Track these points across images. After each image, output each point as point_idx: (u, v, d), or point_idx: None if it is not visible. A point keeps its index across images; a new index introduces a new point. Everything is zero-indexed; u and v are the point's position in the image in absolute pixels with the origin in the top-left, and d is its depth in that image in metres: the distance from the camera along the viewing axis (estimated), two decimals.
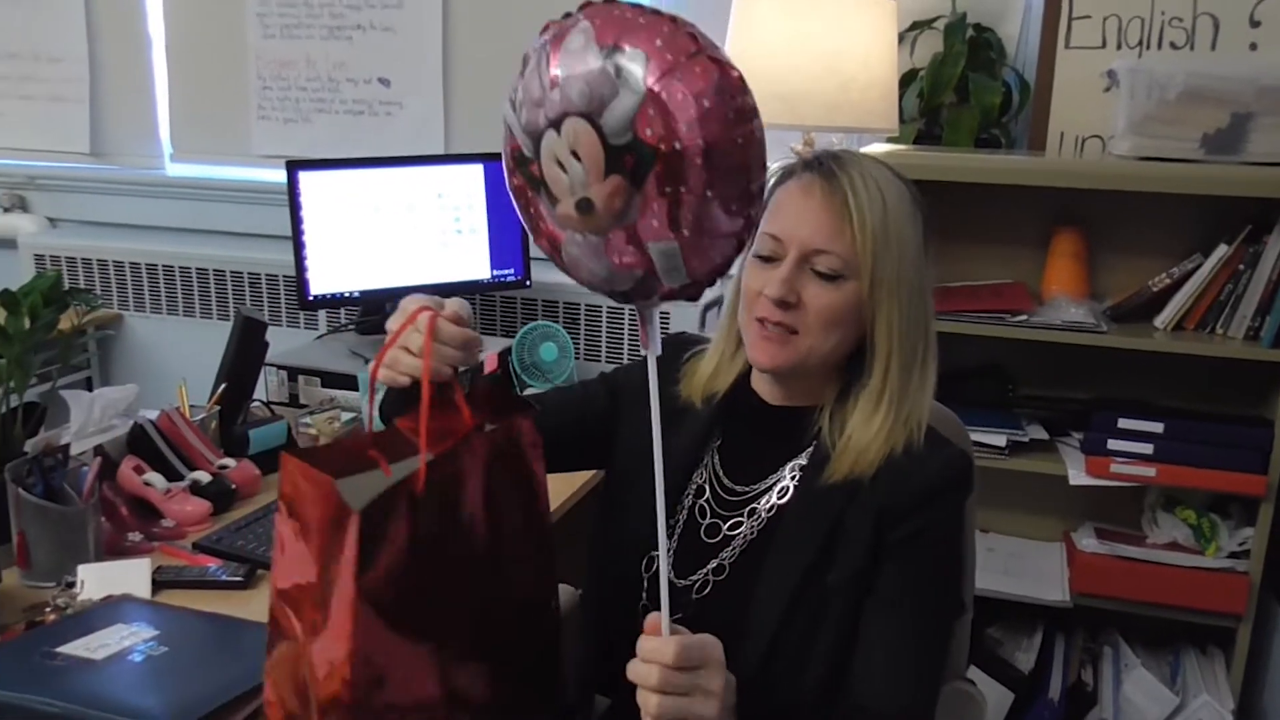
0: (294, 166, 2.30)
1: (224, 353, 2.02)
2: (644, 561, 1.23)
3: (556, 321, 2.55)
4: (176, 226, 3.06)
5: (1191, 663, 2.17)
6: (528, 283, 2.55)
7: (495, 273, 2.50)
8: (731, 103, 0.88)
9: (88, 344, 3.02)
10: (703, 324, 2.24)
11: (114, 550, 1.59)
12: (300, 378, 2.33)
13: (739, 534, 1.21)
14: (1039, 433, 2.19)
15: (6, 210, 3.18)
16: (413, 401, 1.03)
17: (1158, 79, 2.03)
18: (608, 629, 1.27)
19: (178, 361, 2.85)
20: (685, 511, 1.25)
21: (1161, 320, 2.07)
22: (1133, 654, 2.19)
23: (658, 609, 1.00)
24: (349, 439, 1.03)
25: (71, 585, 1.44)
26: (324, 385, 2.30)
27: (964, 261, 2.26)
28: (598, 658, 1.29)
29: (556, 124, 0.90)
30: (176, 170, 3.07)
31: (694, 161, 0.87)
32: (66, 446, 1.59)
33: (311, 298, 2.35)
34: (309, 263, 2.32)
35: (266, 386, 2.30)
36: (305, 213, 2.30)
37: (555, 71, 0.90)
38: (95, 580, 1.44)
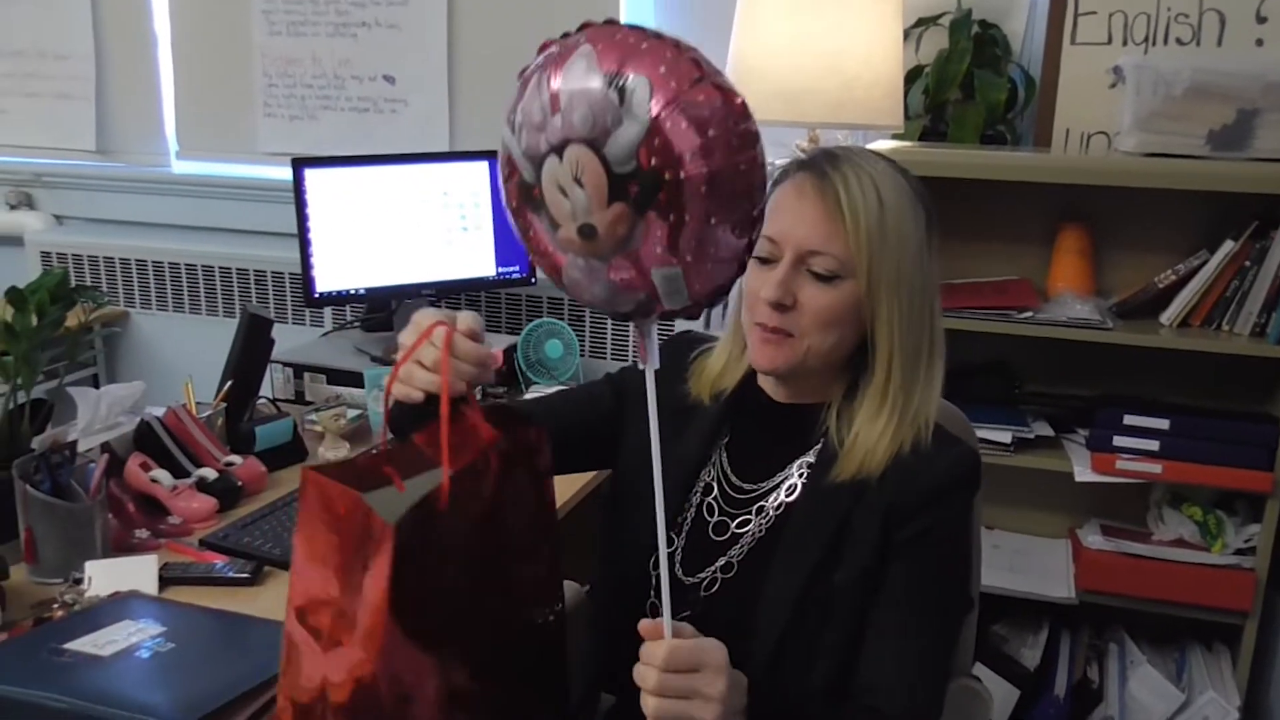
0: (300, 164, 2.30)
1: (230, 350, 2.03)
2: (651, 560, 1.23)
3: (562, 319, 2.56)
4: (182, 224, 3.07)
5: (1197, 660, 2.17)
6: (533, 280, 2.55)
7: (500, 270, 2.50)
8: (735, 129, 0.89)
9: (94, 341, 3.02)
10: (707, 322, 2.24)
11: (121, 547, 1.59)
12: (306, 375, 2.34)
13: (747, 532, 1.21)
14: (1044, 429, 2.19)
15: (13, 207, 3.19)
16: (425, 417, 1.04)
17: (1164, 75, 2.03)
18: (615, 626, 1.27)
19: (184, 359, 2.85)
20: (693, 509, 1.25)
21: (1167, 317, 2.07)
22: (1138, 651, 2.19)
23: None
24: (362, 457, 1.03)
25: (79, 582, 1.44)
26: (330, 382, 2.31)
27: (969, 258, 2.26)
28: (604, 655, 1.30)
29: (559, 149, 0.90)
30: (182, 167, 3.07)
31: (698, 189, 0.87)
32: (74, 443, 1.60)
33: (317, 295, 2.35)
34: (315, 260, 2.32)
35: (272, 383, 2.31)
36: (311, 210, 2.30)
37: (557, 96, 0.89)
38: (102, 577, 1.44)
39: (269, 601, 1.47)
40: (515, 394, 2.34)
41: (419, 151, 2.53)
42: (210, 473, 1.77)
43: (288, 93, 2.90)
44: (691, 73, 0.87)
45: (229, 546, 1.61)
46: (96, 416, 1.76)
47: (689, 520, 1.25)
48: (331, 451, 1.99)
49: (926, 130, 2.36)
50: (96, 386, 2.19)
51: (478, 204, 2.46)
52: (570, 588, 1.47)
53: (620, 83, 0.87)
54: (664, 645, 0.98)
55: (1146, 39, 2.24)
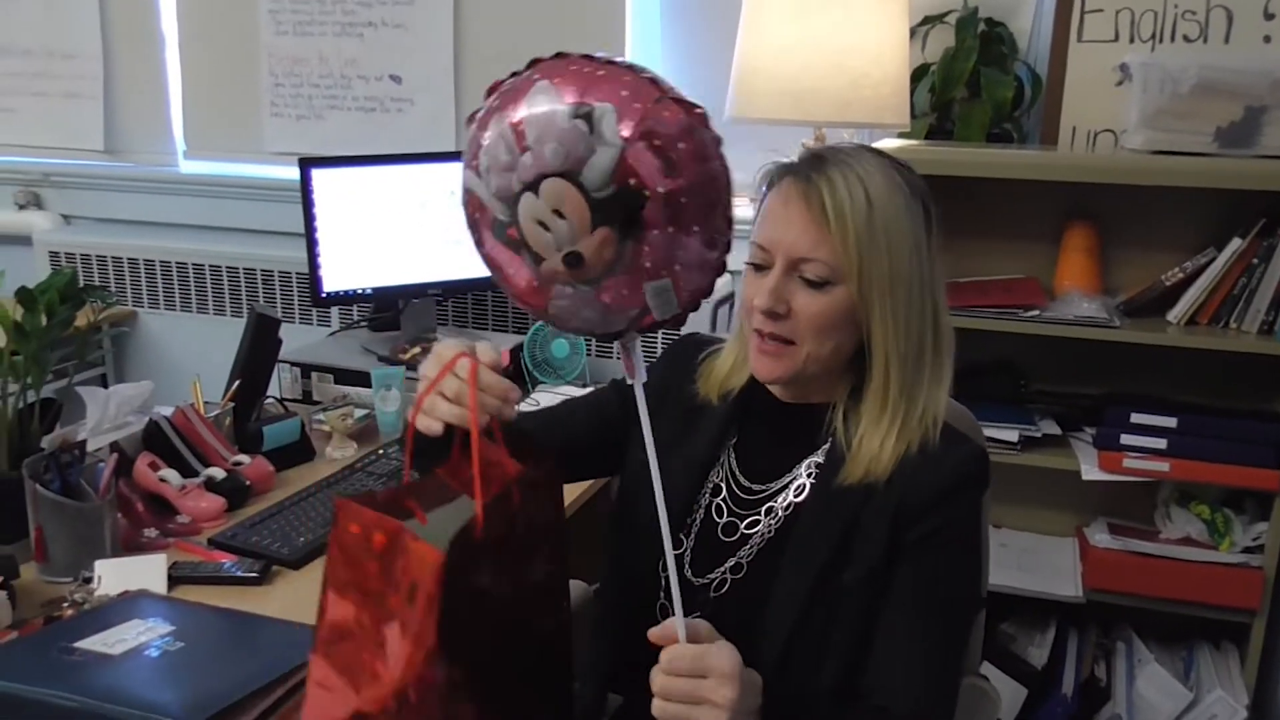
0: (307, 164, 2.30)
1: (238, 349, 2.03)
2: (660, 562, 1.23)
3: None
4: (190, 223, 3.07)
5: (1205, 658, 2.16)
6: None
7: None
8: (701, 139, 0.93)
9: (102, 341, 3.03)
10: (714, 324, 2.24)
11: (130, 546, 1.60)
12: (313, 374, 2.34)
13: (756, 532, 1.21)
14: (1052, 428, 2.19)
15: (21, 207, 3.20)
16: (443, 449, 1.06)
17: (1171, 72, 2.02)
18: (624, 628, 1.27)
19: (191, 358, 2.86)
20: (702, 510, 1.25)
21: (1174, 315, 2.06)
22: (1146, 649, 2.19)
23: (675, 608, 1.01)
24: (384, 491, 1.04)
25: (88, 581, 1.45)
26: (337, 382, 2.31)
27: (976, 256, 2.25)
28: (613, 656, 1.30)
29: (533, 186, 0.92)
30: (190, 167, 3.08)
31: (677, 201, 0.91)
32: (83, 443, 1.60)
33: (324, 294, 2.36)
34: (322, 260, 2.33)
35: (280, 383, 2.31)
36: (318, 210, 2.31)
37: (523, 133, 0.91)
38: (112, 576, 1.45)
39: (277, 600, 1.48)
40: (521, 394, 2.34)
41: (426, 151, 2.53)
42: (218, 472, 1.78)
43: (294, 92, 2.91)
44: (652, 92, 0.91)
45: (237, 546, 1.61)
46: (105, 416, 1.77)
47: (698, 521, 1.25)
48: (339, 451, 2.00)
49: (933, 128, 2.36)
50: (105, 386, 2.19)
51: None
52: (577, 587, 1.47)
53: (586, 111, 0.90)
54: (670, 650, 0.99)
55: (1153, 36, 2.23)
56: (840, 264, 1.11)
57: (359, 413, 2.07)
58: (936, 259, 1.16)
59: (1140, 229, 2.20)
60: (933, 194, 1.18)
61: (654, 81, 0.92)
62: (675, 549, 1.20)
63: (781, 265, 1.13)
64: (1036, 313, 2.07)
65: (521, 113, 0.91)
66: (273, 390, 2.17)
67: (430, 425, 1.05)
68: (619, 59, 0.94)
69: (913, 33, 2.28)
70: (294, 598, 1.48)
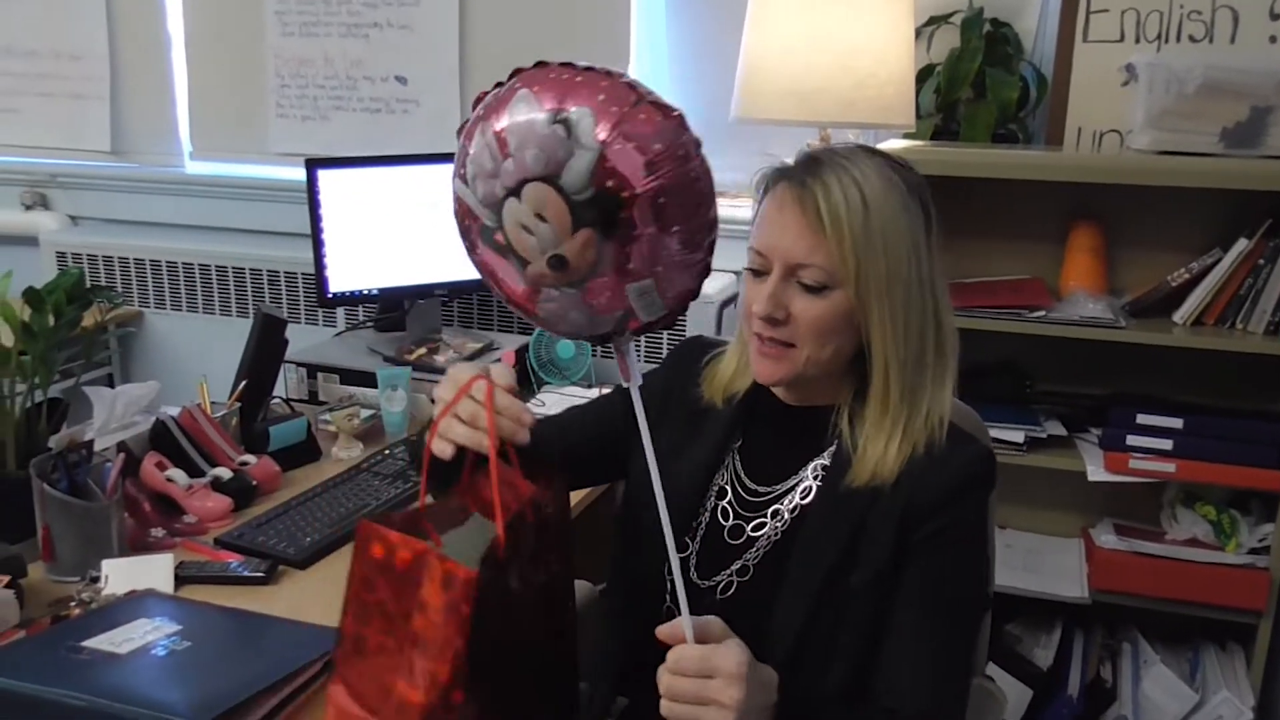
0: (313, 164, 2.31)
1: (244, 350, 2.04)
2: (666, 565, 1.22)
3: None
4: (196, 224, 3.08)
5: (1211, 659, 2.16)
6: None
7: None
8: (678, 141, 0.94)
9: (109, 341, 3.04)
10: (719, 325, 2.24)
11: (137, 546, 1.60)
12: (319, 375, 2.34)
13: (762, 535, 1.21)
14: (1057, 429, 2.18)
15: (28, 208, 3.21)
16: (455, 471, 1.07)
17: (1176, 73, 2.02)
18: (630, 629, 1.27)
19: (198, 359, 2.87)
20: (708, 513, 1.25)
21: (1180, 315, 2.06)
22: (1152, 650, 2.19)
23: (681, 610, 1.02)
24: (399, 514, 1.04)
25: (96, 580, 1.45)
26: (343, 382, 2.31)
27: (981, 257, 2.25)
28: (620, 657, 1.30)
29: (515, 191, 0.94)
30: (196, 168, 3.08)
31: (656, 202, 0.93)
32: (90, 442, 1.61)
33: (330, 295, 2.36)
34: (328, 260, 2.33)
35: (286, 383, 2.32)
36: (324, 210, 2.31)
37: (505, 141, 0.93)
38: (119, 575, 1.46)
39: (284, 600, 1.48)
40: (527, 395, 2.34)
41: (431, 152, 2.53)
42: (225, 472, 1.78)
43: (300, 93, 2.92)
44: (629, 96, 0.93)
45: (244, 545, 1.62)
46: (112, 416, 1.77)
47: (704, 524, 1.25)
48: (345, 451, 2.00)
49: (938, 129, 2.36)
50: (111, 386, 2.20)
51: None
52: (582, 587, 1.47)
53: (564, 116, 0.92)
54: (676, 649, 0.99)
55: (1159, 36, 2.23)
56: (837, 269, 1.11)
57: (365, 413, 2.07)
58: (936, 257, 1.15)
59: (1146, 229, 2.20)
60: (937, 194, 1.18)
61: (631, 86, 0.94)
62: (681, 552, 1.20)
63: (779, 271, 1.13)
64: (1042, 313, 2.07)
65: (504, 121, 0.94)
66: (279, 390, 2.17)
67: (444, 449, 1.05)
68: (598, 66, 0.96)
69: (918, 33, 2.28)
70: (300, 597, 1.49)
